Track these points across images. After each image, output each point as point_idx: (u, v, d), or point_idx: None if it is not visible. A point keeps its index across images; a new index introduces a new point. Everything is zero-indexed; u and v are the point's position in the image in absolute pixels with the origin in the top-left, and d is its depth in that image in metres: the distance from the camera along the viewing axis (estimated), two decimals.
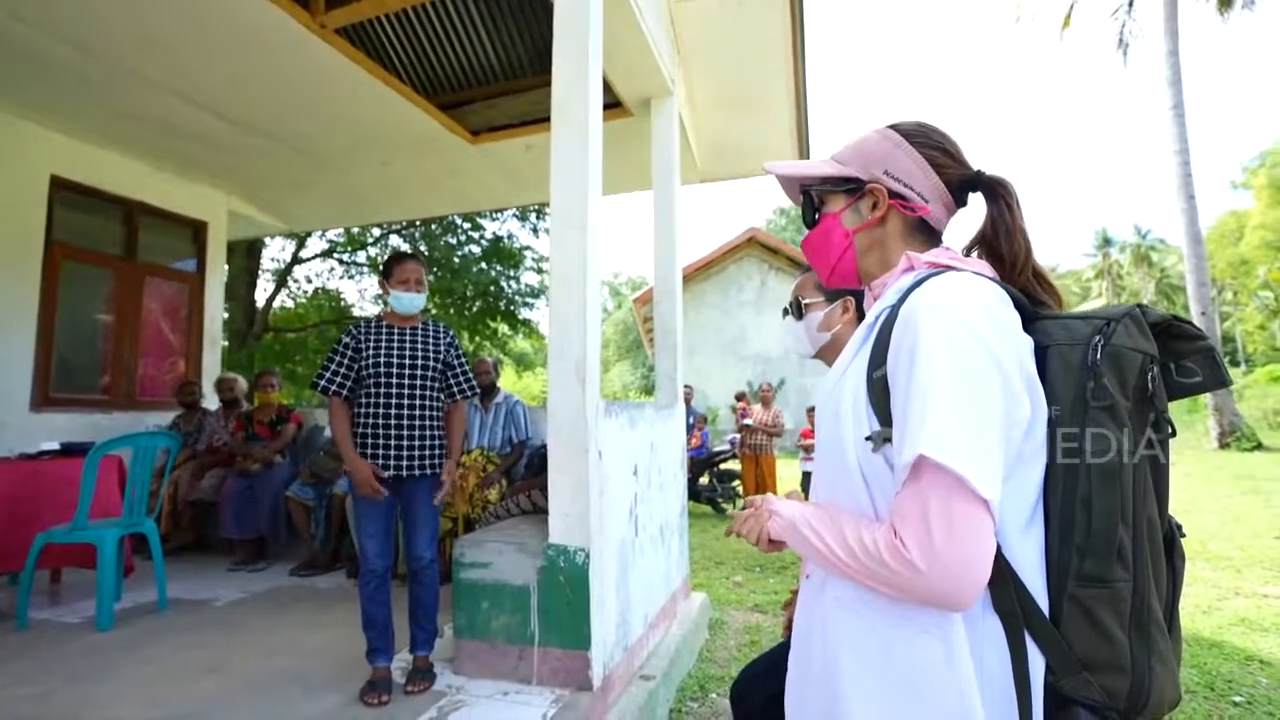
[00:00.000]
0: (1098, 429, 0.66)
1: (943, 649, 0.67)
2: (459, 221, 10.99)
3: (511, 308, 11.82)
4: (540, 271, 11.90)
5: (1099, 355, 0.67)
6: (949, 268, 0.76)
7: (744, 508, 0.92)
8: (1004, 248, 0.79)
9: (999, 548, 0.65)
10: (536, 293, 12.02)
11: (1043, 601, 0.67)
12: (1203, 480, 7.85)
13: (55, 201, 4.46)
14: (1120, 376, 0.67)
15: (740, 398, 8.03)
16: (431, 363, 2.41)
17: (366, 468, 2.27)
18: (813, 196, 0.92)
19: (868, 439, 0.72)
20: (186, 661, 2.54)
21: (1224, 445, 10.51)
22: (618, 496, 2.54)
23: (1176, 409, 13.89)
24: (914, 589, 0.64)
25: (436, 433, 2.43)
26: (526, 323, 12.22)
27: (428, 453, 2.39)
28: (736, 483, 7.40)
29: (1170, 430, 0.70)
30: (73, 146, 4.54)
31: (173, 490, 4.29)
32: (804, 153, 4.81)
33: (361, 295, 13.10)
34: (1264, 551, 4.69)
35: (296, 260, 12.12)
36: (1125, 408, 0.66)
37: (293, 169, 5.12)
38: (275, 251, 12.18)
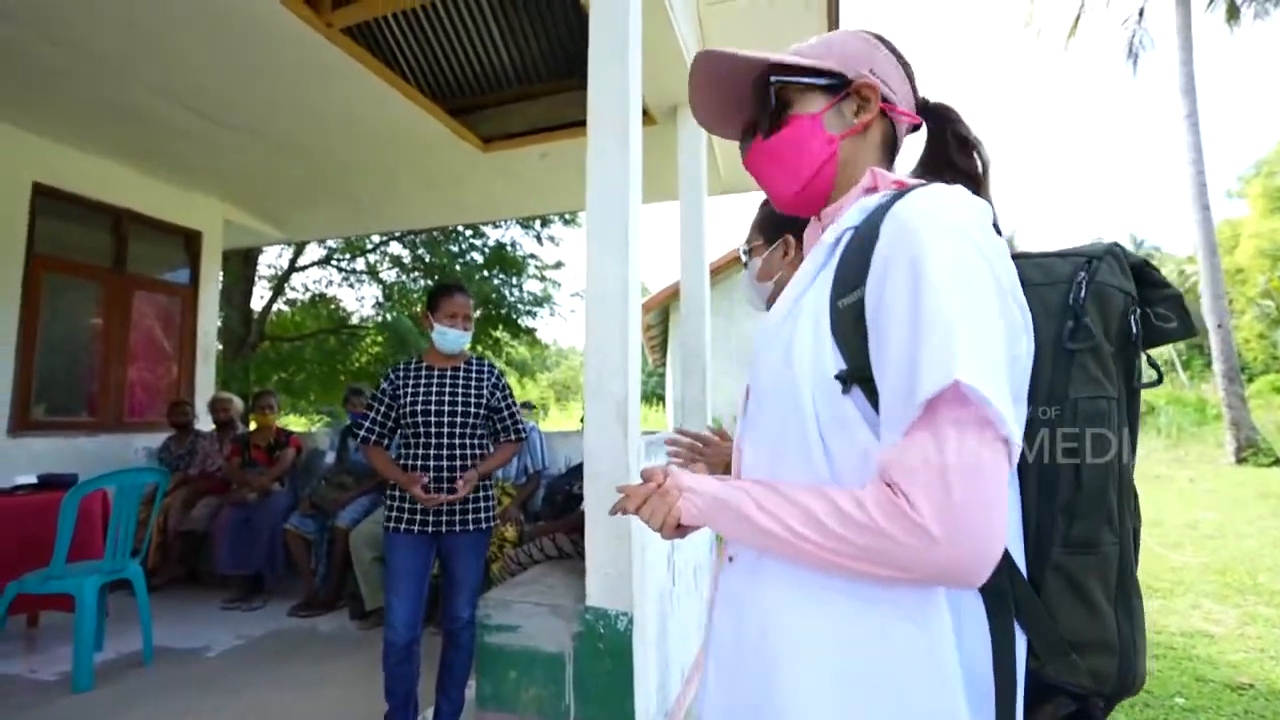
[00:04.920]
0: (1082, 372, 0.58)
1: (924, 638, 0.54)
2: (462, 229, 10.75)
3: (514, 316, 11.58)
4: (543, 279, 11.70)
5: (1084, 293, 0.60)
6: (928, 184, 0.63)
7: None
8: (967, 164, 0.71)
9: None
10: (539, 301, 11.80)
11: (1023, 570, 0.58)
12: (1229, 500, 7.64)
13: (37, 210, 4.17)
14: (1104, 317, 0.60)
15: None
16: (473, 407, 2.18)
17: (414, 479, 2.07)
18: (772, 95, 0.73)
19: (837, 378, 0.58)
20: None
21: (1241, 460, 10.33)
22: (658, 546, 2.29)
23: (1186, 421, 13.77)
24: (918, 563, 0.50)
25: (482, 483, 2.20)
26: (530, 331, 11.98)
27: (470, 506, 2.14)
28: None
29: (1158, 376, 0.65)
30: (57, 151, 4.26)
31: (162, 520, 4.01)
32: None
33: (360, 303, 12.81)
34: None
35: (294, 267, 11.84)
36: (1108, 351, 0.60)
37: (293, 176, 4.85)
38: (272, 258, 11.90)
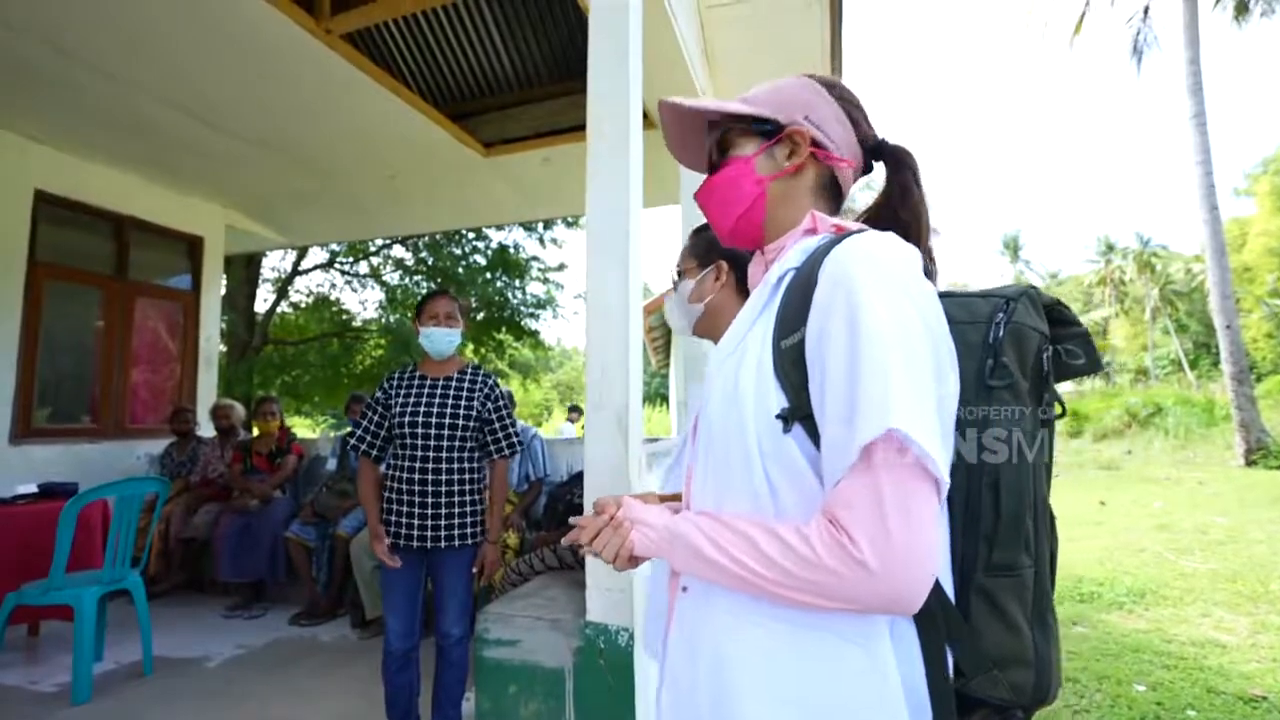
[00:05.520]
0: (1001, 408, 0.63)
1: (865, 659, 0.58)
2: (465, 232, 10.74)
3: (517, 318, 11.55)
4: (546, 282, 11.66)
5: (1001, 333, 0.64)
6: (863, 231, 0.68)
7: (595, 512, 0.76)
8: (908, 213, 0.75)
9: None
10: (542, 303, 11.76)
11: (950, 595, 0.62)
12: (1236, 503, 7.56)
13: (39, 217, 4.17)
14: (1020, 355, 0.65)
15: None
16: (462, 419, 2.13)
17: (382, 540, 2.04)
18: (716, 138, 0.82)
19: (778, 417, 0.62)
20: None
21: (1250, 463, 10.21)
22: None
23: (1194, 422, 13.65)
24: (859, 594, 0.54)
25: (471, 498, 2.16)
26: (533, 334, 11.94)
27: (457, 521, 2.11)
28: None
29: (1061, 411, 0.69)
30: (58, 158, 4.25)
31: (164, 527, 4.00)
32: None
33: (363, 306, 12.79)
34: None
35: (297, 271, 11.84)
36: (1025, 388, 0.64)
37: (294, 181, 4.84)
38: (276, 261, 11.91)
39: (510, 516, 3.40)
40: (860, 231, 0.67)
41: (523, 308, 11.71)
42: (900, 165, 0.78)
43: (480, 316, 11.43)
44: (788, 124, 0.77)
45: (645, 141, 2.92)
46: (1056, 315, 0.70)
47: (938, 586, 0.60)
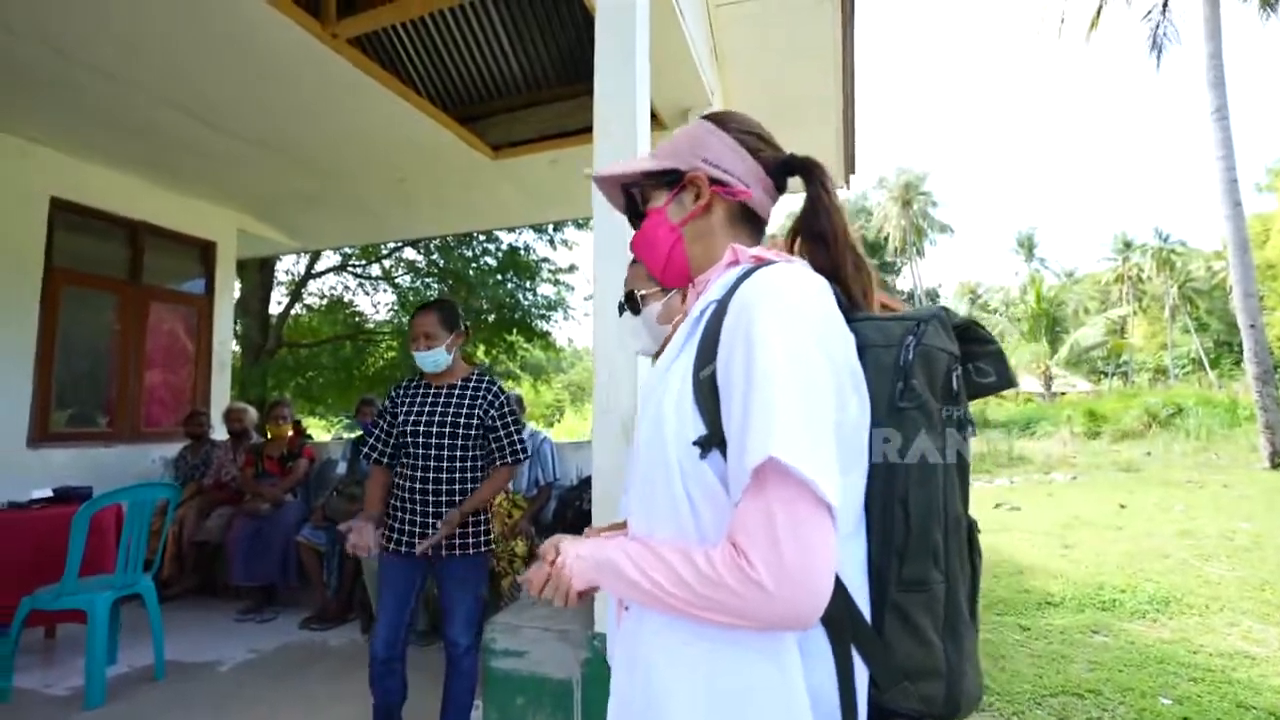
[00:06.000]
0: (911, 429, 0.65)
1: (776, 671, 0.63)
2: (475, 234, 10.76)
3: (528, 320, 11.55)
4: (557, 283, 11.65)
5: (911, 355, 0.67)
6: (775, 263, 0.73)
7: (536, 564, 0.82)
8: (824, 225, 0.79)
9: None
10: (553, 305, 11.75)
11: (866, 611, 0.65)
12: (1263, 507, 7.37)
13: (55, 224, 4.22)
14: (930, 376, 0.67)
15: None
16: (462, 427, 2.11)
17: (364, 529, 2.04)
18: (635, 195, 0.89)
19: (695, 444, 0.66)
20: None
21: (1276, 465, 9.95)
22: None
23: (1216, 423, 13.37)
24: (758, 613, 0.58)
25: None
26: (544, 335, 11.94)
27: (460, 530, 2.09)
28: None
29: (971, 429, 0.71)
30: (73, 165, 4.30)
31: (177, 530, 4.02)
32: (850, 168, 4.49)
33: (376, 309, 12.83)
34: None
35: (310, 274, 11.92)
36: (935, 408, 0.67)
37: (303, 185, 4.86)
38: (289, 264, 12.00)
39: (519, 522, 3.37)
40: (776, 261, 0.72)
41: (534, 309, 11.71)
42: (810, 178, 0.81)
43: (491, 318, 11.45)
44: (687, 170, 0.83)
45: (653, 142, 2.87)
46: (970, 334, 0.73)
47: (850, 602, 0.64)
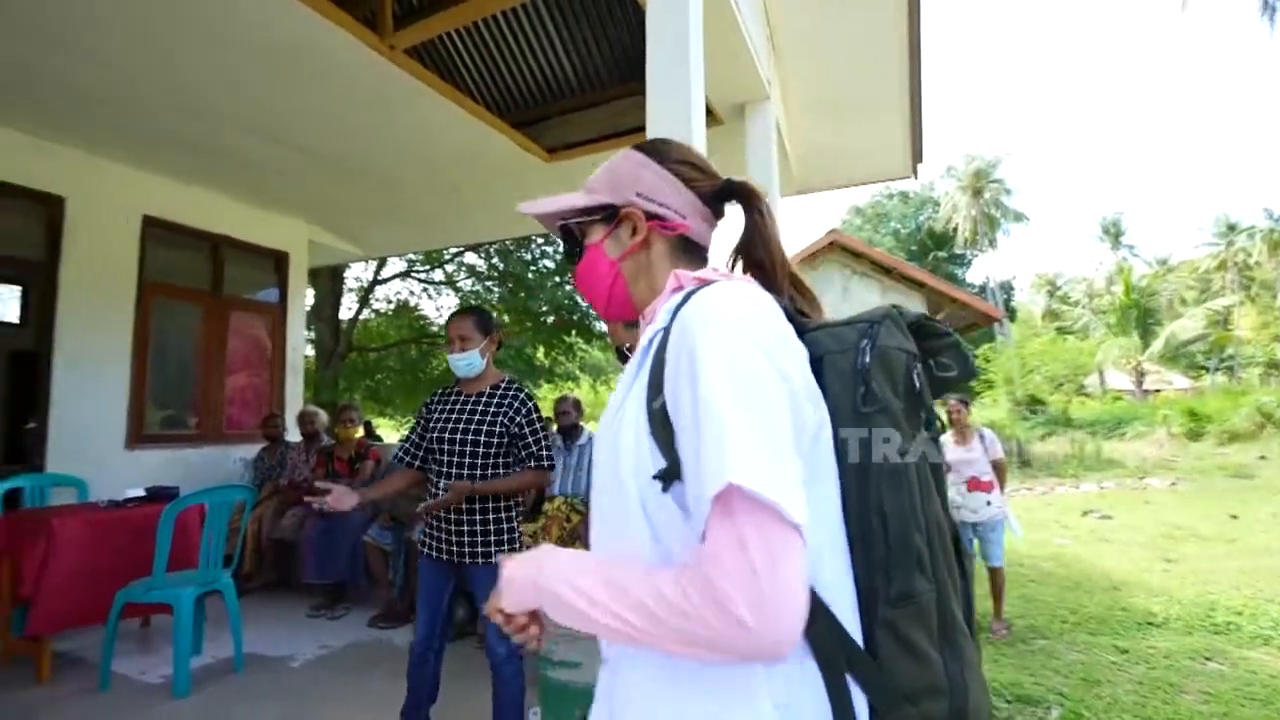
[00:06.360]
0: (877, 432, 0.63)
1: (769, 708, 0.58)
2: (534, 238, 10.94)
3: (586, 321, 11.67)
4: None
5: (868, 358, 0.65)
6: (717, 282, 0.71)
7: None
8: (761, 253, 0.78)
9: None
10: None
11: (856, 633, 0.60)
12: None
13: (147, 239, 4.53)
14: (890, 377, 0.65)
15: None
16: (484, 435, 2.12)
17: (344, 494, 2.07)
18: (573, 231, 0.87)
19: (655, 478, 0.63)
20: None
21: None
22: None
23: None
24: (734, 647, 0.54)
25: (503, 514, 2.15)
26: (602, 336, 12.02)
27: (493, 538, 2.09)
28: None
29: (940, 426, 0.69)
30: (162, 185, 4.60)
31: (255, 528, 4.24)
32: (918, 156, 4.24)
33: (439, 312, 13.27)
34: None
35: (377, 280, 12.45)
36: (899, 408, 0.64)
37: (365, 196, 5.03)
38: (359, 271, 12.57)
39: (578, 527, 3.36)
40: (718, 281, 0.71)
41: (592, 311, 11.82)
42: (748, 205, 0.80)
43: (550, 320, 11.61)
44: (622, 205, 0.81)
45: (709, 140, 2.78)
46: (925, 330, 0.71)
47: (837, 626, 0.60)
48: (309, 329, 7.47)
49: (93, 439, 4.12)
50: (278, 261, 5.56)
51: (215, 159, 4.31)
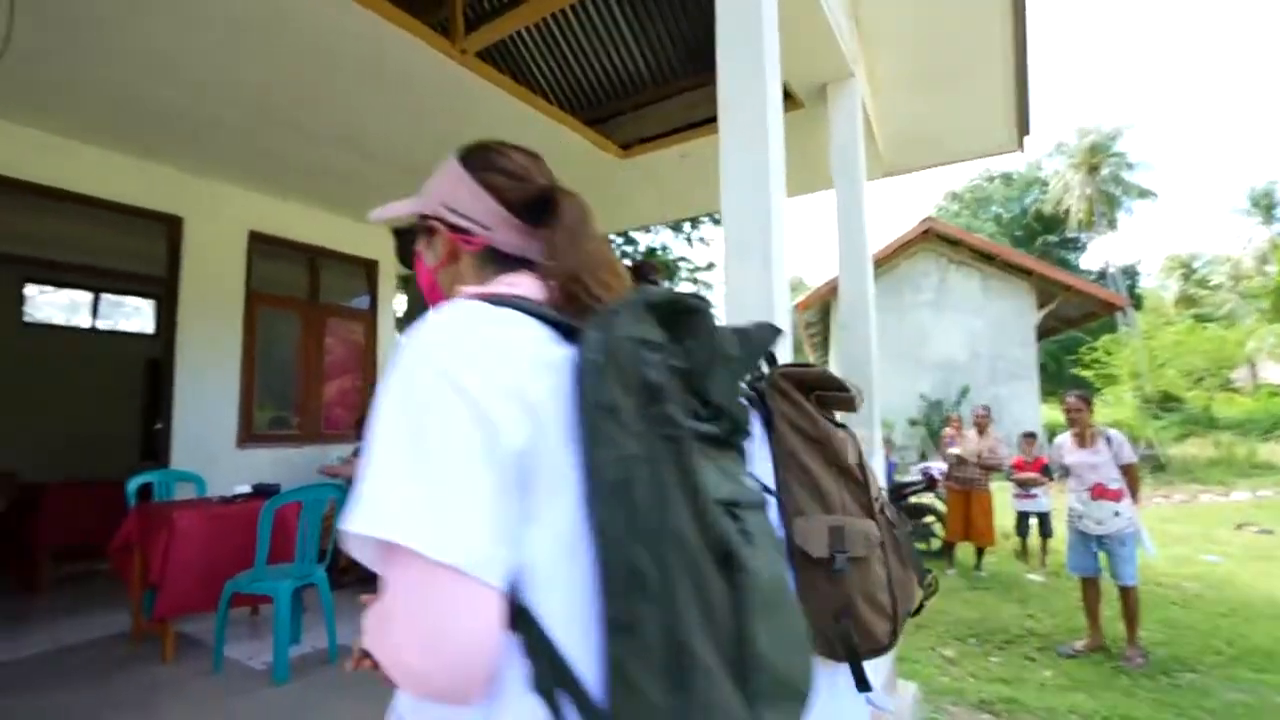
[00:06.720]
0: (599, 439, 0.55)
1: None
2: (612, 236, 11.02)
3: None
4: (695, 283, 11.58)
5: (592, 354, 0.57)
6: (479, 296, 0.66)
7: None
8: (569, 261, 0.71)
9: (528, 612, 0.54)
10: None
11: (589, 668, 0.53)
12: None
13: (252, 253, 4.90)
14: (619, 373, 0.57)
15: (948, 421, 6.87)
16: None
17: None
18: (412, 236, 0.88)
19: None
20: None
21: None
22: None
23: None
24: (423, 690, 0.56)
25: None
26: None
27: None
28: (931, 520, 6.33)
29: (728, 422, 0.62)
30: (266, 202, 4.97)
31: None
32: (1024, 128, 3.82)
33: None
34: None
35: None
36: (630, 406, 0.56)
37: None
38: None
39: None
40: (461, 298, 0.68)
41: None
42: (551, 213, 0.76)
43: None
44: (431, 215, 0.80)
45: (787, 124, 2.59)
46: (681, 306, 0.63)
47: (559, 663, 0.54)
48: (399, 332, 7.85)
49: (208, 438, 4.50)
50: (368, 270, 5.86)
51: (311, 175, 4.59)
